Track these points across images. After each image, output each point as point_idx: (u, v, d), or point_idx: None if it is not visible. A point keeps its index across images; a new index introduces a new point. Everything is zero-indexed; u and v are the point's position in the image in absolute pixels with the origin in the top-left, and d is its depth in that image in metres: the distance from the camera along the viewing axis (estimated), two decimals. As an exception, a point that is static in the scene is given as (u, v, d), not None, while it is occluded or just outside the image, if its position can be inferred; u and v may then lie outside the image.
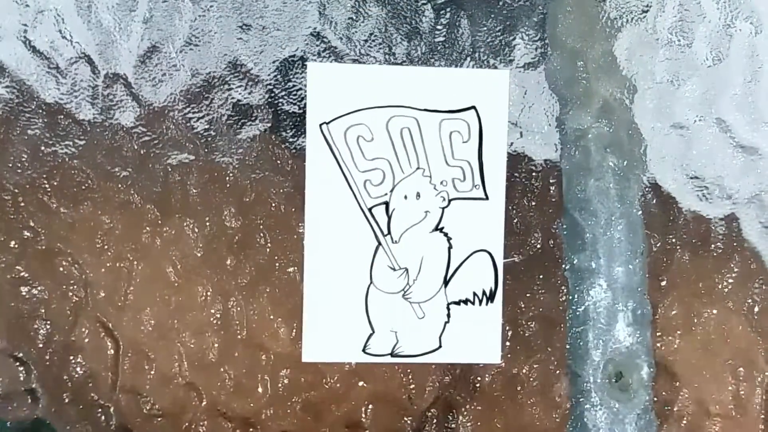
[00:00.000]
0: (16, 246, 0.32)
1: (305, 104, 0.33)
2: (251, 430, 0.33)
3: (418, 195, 0.33)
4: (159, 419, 0.33)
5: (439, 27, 0.33)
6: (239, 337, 0.33)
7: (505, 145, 0.33)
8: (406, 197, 0.33)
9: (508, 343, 0.34)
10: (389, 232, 0.33)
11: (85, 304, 0.32)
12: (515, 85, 0.33)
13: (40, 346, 0.32)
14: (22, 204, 0.32)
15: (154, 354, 0.33)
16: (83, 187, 0.32)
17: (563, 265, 0.35)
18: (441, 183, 0.33)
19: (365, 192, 0.33)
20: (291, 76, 0.33)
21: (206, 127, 0.32)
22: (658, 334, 0.35)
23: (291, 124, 0.33)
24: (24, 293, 0.32)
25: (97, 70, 0.32)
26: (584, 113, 0.34)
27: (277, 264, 0.33)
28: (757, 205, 0.35)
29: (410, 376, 0.34)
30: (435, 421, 0.34)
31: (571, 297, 0.35)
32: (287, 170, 0.33)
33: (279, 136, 0.33)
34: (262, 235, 0.33)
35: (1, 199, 0.32)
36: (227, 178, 0.33)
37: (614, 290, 0.35)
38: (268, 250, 0.33)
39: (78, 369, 0.32)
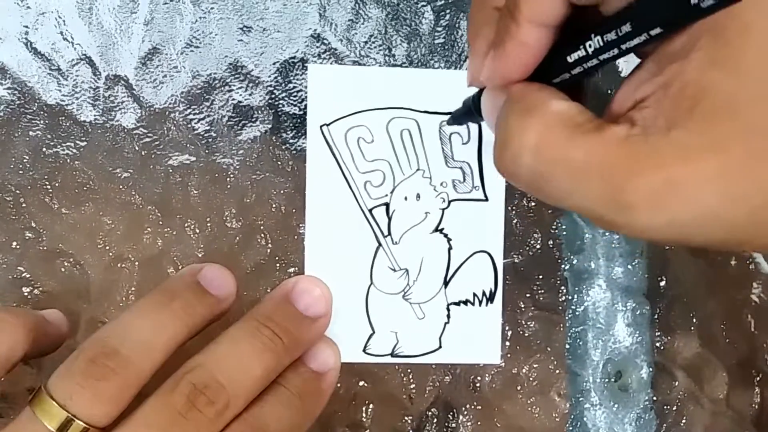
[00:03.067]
0: (18, 246, 0.32)
1: (306, 106, 0.33)
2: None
3: (418, 196, 0.33)
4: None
5: (438, 29, 0.33)
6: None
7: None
8: (406, 198, 0.33)
9: (507, 344, 0.34)
10: (389, 233, 0.33)
11: (87, 304, 0.32)
12: (515, 86, 0.33)
13: (42, 346, 0.32)
14: (24, 205, 0.32)
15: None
16: (84, 188, 0.32)
17: (563, 266, 0.35)
18: (441, 184, 0.33)
19: (365, 193, 0.33)
20: (291, 78, 0.33)
21: (207, 128, 0.33)
22: (657, 334, 0.35)
23: (291, 125, 0.33)
24: (26, 293, 0.32)
25: (98, 71, 0.32)
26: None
27: (277, 264, 0.33)
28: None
29: (410, 376, 0.34)
30: (435, 420, 0.34)
31: (570, 297, 0.35)
32: (288, 171, 0.33)
33: (279, 138, 0.33)
34: (262, 235, 0.33)
35: (2, 200, 0.32)
36: (228, 179, 0.33)
37: (613, 290, 0.35)
38: (268, 250, 0.33)
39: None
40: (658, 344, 0.35)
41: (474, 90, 0.26)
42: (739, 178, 0.18)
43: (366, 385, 0.34)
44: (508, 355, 0.34)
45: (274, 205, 0.33)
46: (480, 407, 0.34)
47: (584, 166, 0.19)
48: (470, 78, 0.25)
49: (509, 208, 0.34)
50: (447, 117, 0.33)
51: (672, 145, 0.18)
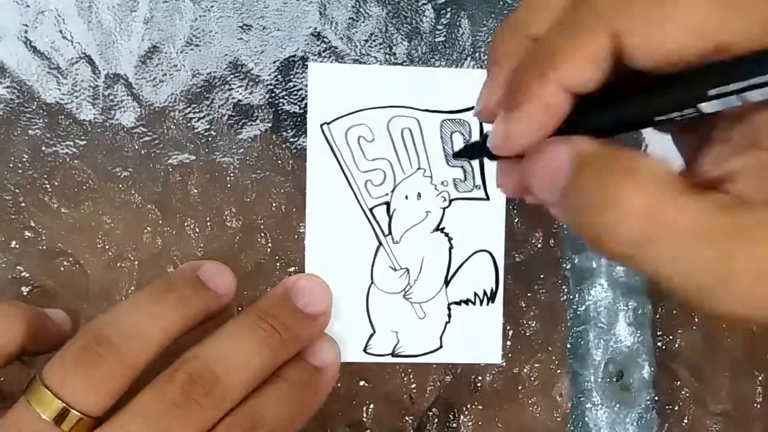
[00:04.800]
0: (17, 246, 0.32)
1: (306, 104, 0.33)
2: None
3: (419, 195, 0.33)
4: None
5: (439, 27, 0.33)
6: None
7: (506, 145, 0.33)
8: (407, 197, 0.33)
9: (509, 343, 0.34)
10: (390, 233, 0.33)
11: (86, 303, 0.32)
12: (516, 84, 0.33)
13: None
14: (23, 204, 0.32)
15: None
16: (84, 187, 0.32)
17: (564, 265, 0.35)
18: (442, 183, 0.33)
19: (366, 192, 0.33)
20: (292, 76, 0.33)
21: (207, 127, 0.32)
22: (658, 333, 0.35)
23: (292, 124, 0.33)
24: (25, 293, 0.32)
25: (97, 70, 0.32)
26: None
27: (277, 264, 0.33)
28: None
29: (411, 376, 0.34)
30: (436, 420, 0.34)
31: (571, 296, 0.35)
32: (288, 170, 0.33)
33: (280, 136, 0.33)
34: (262, 234, 0.33)
35: (2, 199, 0.32)
36: (228, 178, 0.33)
37: (615, 290, 0.35)
38: (268, 249, 0.33)
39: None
40: (659, 343, 0.35)
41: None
42: None
43: (367, 384, 0.34)
44: (509, 355, 0.34)
45: (274, 204, 0.33)
46: (481, 407, 0.34)
47: (691, 230, 0.19)
48: (480, 110, 0.23)
49: (510, 207, 0.34)
50: (447, 116, 0.33)
51: None
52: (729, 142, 0.20)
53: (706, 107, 0.19)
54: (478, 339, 0.34)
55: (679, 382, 0.36)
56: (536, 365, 0.35)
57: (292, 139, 0.33)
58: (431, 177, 0.33)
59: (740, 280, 0.18)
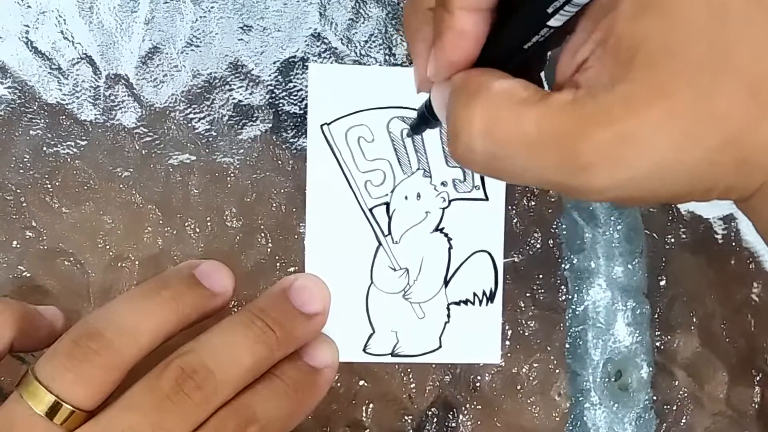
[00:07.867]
0: (18, 246, 0.32)
1: (306, 105, 0.33)
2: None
3: (418, 196, 0.33)
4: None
5: (439, 28, 0.33)
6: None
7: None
8: (406, 198, 0.33)
9: (507, 343, 0.34)
10: (390, 233, 0.33)
11: (87, 303, 0.32)
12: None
13: (42, 345, 0.32)
14: (24, 204, 0.32)
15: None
16: (85, 188, 0.32)
17: (563, 265, 0.35)
18: (441, 184, 0.33)
19: (366, 192, 0.33)
20: (292, 77, 0.33)
21: (207, 127, 0.33)
22: (657, 333, 0.35)
23: (292, 124, 0.33)
24: (26, 292, 0.32)
25: (98, 70, 0.32)
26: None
27: (277, 264, 0.33)
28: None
29: (410, 376, 0.34)
30: (435, 420, 0.34)
31: (570, 297, 0.35)
32: (288, 171, 0.33)
33: (280, 137, 0.33)
34: (262, 235, 0.33)
35: (3, 199, 0.32)
36: (228, 179, 0.33)
37: (614, 290, 0.35)
38: (268, 250, 0.33)
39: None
40: (658, 344, 0.35)
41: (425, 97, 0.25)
42: (689, 119, 0.18)
43: (366, 384, 0.34)
44: (508, 355, 0.35)
45: (274, 205, 0.33)
46: (480, 407, 0.35)
47: (536, 138, 0.19)
48: (417, 83, 0.24)
49: (509, 207, 0.34)
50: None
51: (618, 99, 0.18)
52: (576, 34, 0.20)
53: (553, 22, 0.20)
54: (477, 339, 0.34)
55: (677, 382, 0.36)
56: (535, 365, 0.35)
57: (292, 140, 0.33)
58: (431, 177, 0.33)
59: (594, 170, 0.18)
